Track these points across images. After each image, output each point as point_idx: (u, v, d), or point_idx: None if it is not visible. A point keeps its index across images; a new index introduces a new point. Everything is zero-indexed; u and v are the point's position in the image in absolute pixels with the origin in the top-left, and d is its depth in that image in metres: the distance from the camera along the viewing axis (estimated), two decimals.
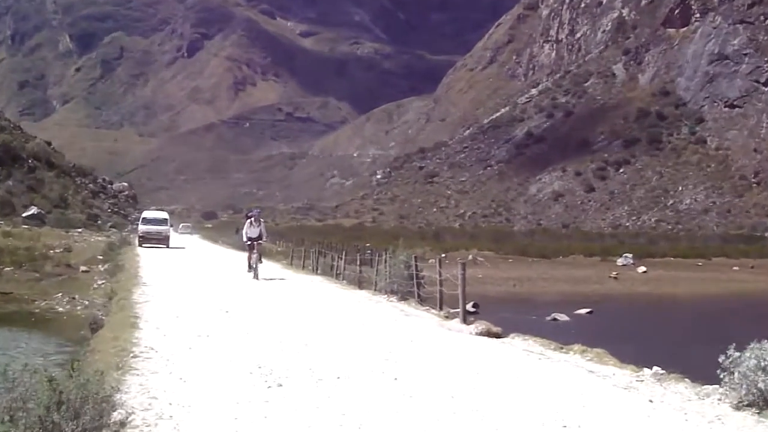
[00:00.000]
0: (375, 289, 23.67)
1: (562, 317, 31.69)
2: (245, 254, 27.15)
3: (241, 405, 7.82)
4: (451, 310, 18.05)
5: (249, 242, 25.48)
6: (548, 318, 31.45)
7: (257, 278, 24.08)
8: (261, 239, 25.95)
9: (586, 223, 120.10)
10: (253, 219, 26.05)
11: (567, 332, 19.45)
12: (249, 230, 25.71)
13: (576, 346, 12.49)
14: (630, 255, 61.23)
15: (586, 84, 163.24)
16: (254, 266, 24.76)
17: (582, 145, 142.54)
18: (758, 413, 8.03)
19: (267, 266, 29.49)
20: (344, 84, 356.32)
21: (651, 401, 8.67)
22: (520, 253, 65.11)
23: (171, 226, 54.49)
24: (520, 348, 12.81)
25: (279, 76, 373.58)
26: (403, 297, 20.58)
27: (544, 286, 47.89)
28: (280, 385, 8.75)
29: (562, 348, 12.71)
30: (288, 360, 10.40)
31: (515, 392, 8.85)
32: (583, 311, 34.93)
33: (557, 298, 42.44)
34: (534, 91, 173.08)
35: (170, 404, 7.73)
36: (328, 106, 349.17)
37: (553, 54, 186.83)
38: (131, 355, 10.30)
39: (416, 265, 20.62)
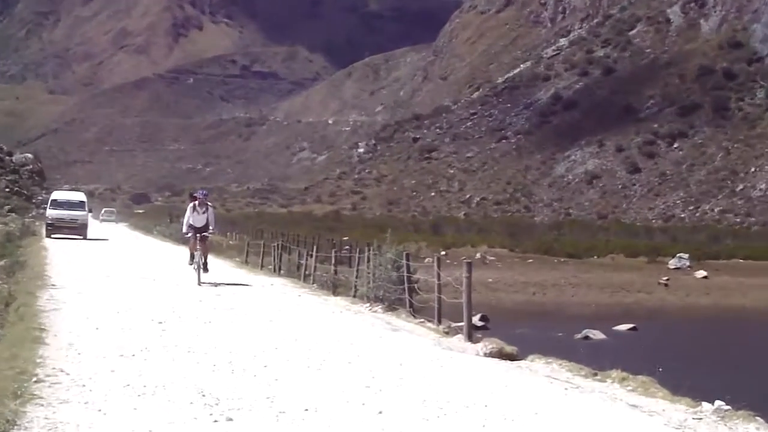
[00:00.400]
0: (354, 296, 23.65)
1: (597, 335, 31.78)
2: (187, 248, 26.89)
3: None
4: (453, 324, 18.06)
5: (190, 234, 24.99)
6: (578, 336, 31.54)
7: (200, 283, 23.77)
8: (208, 230, 25.07)
9: (629, 214, 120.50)
10: (197, 203, 25.11)
11: (603, 354, 19.42)
12: (192, 217, 24.89)
13: (614, 373, 12.48)
14: (685, 255, 61.37)
15: (631, 33, 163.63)
16: (198, 267, 24.34)
17: (625, 112, 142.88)
18: None
19: (215, 265, 29.39)
20: (317, 29, 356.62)
21: None
22: (543, 252, 65.22)
23: (90, 211, 54.39)
24: (541, 374, 12.79)
25: (233, 18, 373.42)
26: (391, 306, 20.56)
27: (573, 295, 48.01)
28: (230, 420, 8.70)
29: (596, 374, 12.70)
30: (240, 386, 10.34)
31: (536, 431, 8.82)
32: (623, 327, 35.02)
33: (590, 311, 42.53)
34: (563, 42, 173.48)
35: None
36: (296, 58, 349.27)
37: None
38: (34, 379, 10.21)
39: (408, 266, 20.62)
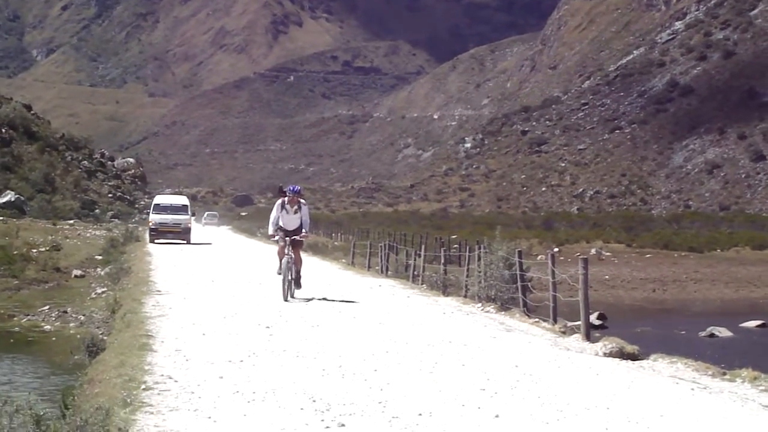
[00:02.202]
0: (465, 296, 23.62)
1: (723, 332, 31.26)
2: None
3: None
4: (569, 324, 17.94)
5: (278, 236, 21.43)
6: (703, 333, 31.05)
7: (287, 299, 20.63)
8: (301, 232, 21.45)
9: (754, 204, 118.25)
10: (287, 200, 21.42)
11: (730, 352, 19.16)
12: (281, 217, 21.41)
13: (745, 372, 12.25)
14: None
15: (753, 12, 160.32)
16: (287, 280, 20.85)
17: (747, 97, 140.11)
18: None
19: (320, 268, 29.49)
20: (419, 21, 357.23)
21: None
22: (662, 246, 64.64)
23: (193, 215, 55.25)
24: (665, 374, 12.63)
25: (332, 13, 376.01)
26: (504, 306, 20.51)
27: (695, 291, 47.32)
28: (342, 425, 8.75)
29: (724, 374, 12.50)
30: (351, 392, 10.39)
31: None
32: (752, 324, 34.41)
33: (715, 307, 41.87)
34: (679, 25, 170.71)
35: None
36: (398, 52, 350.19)
37: None
38: (143, 386, 10.40)
39: (521, 263, 20.48)
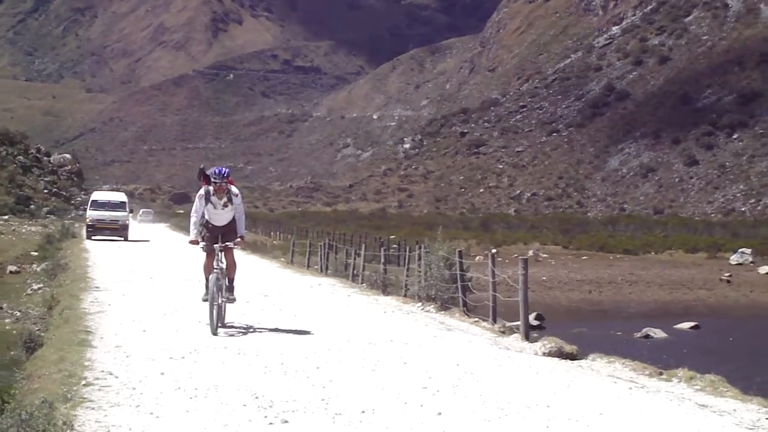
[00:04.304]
0: (405, 295, 23.71)
1: (658, 333, 31.65)
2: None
3: None
4: (508, 324, 18.06)
5: (203, 243, 15.65)
6: (638, 334, 31.41)
7: (216, 332, 14.75)
8: (233, 236, 15.75)
9: (687, 208, 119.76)
10: (213, 189, 15.40)
11: (666, 353, 19.40)
12: (208, 211, 15.61)
13: (681, 372, 12.43)
14: (748, 251, 61.04)
15: (687, 19, 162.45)
16: (215, 305, 15.05)
17: (681, 102, 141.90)
18: None
19: (259, 267, 29.34)
20: (360, 21, 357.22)
21: None
22: (598, 249, 65.30)
23: (131, 212, 54.77)
24: (603, 373, 12.77)
25: (273, 12, 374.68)
26: (444, 306, 20.59)
27: (631, 292, 47.79)
28: (285, 422, 8.74)
29: (661, 374, 12.67)
30: (293, 389, 10.38)
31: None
32: (685, 325, 34.84)
33: (650, 308, 42.35)
34: (616, 30, 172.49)
35: None
36: (338, 52, 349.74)
37: None
38: (83, 382, 10.31)
39: (461, 263, 20.56)
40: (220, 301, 15.18)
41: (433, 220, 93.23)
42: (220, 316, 15.25)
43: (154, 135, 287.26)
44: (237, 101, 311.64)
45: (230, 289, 15.70)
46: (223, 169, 15.52)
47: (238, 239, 15.69)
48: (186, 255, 39.13)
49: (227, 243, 15.41)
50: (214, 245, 15.40)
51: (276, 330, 15.79)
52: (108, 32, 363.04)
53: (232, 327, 15.69)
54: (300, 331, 15.85)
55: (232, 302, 15.81)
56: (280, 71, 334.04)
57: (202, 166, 16.36)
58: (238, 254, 17.53)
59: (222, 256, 15.47)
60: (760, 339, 33.53)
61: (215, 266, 15.33)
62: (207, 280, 15.44)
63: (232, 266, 15.73)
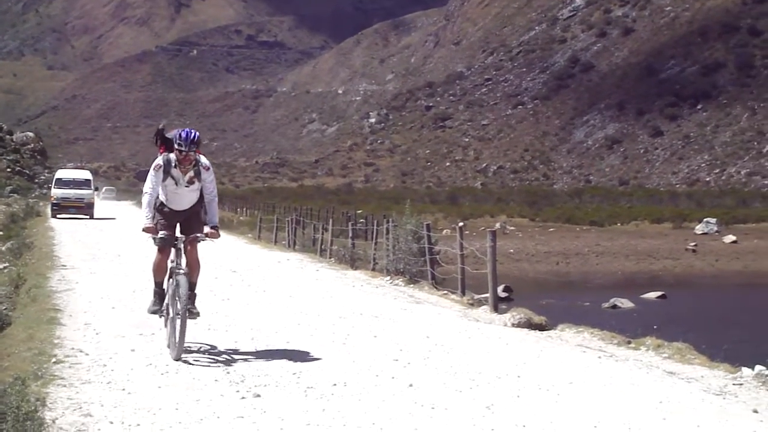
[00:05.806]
0: (373, 269, 23.77)
1: (625, 303, 31.90)
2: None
3: (207, 423, 7.81)
4: (476, 296, 18.15)
5: (162, 233, 11.22)
6: (606, 305, 31.64)
7: (178, 357, 10.59)
8: (201, 223, 11.48)
9: (652, 179, 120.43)
10: (177, 157, 11.17)
11: (633, 323, 19.51)
12: (167, 189, 11.36)
13: (649, 340, 12.55)
14: (713, 220, 61.57)
15: None
16: (168, 314, 11.20)
17: (645, 73, 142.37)
18: None
19: (225, 242, 29.26)
20: None
21: (756, 411, 8.68)
22: (565, 221, 65.59)
23: (96, 190, 54.50)
24: (572, 343, 12.88)
25: None
26: (413, 279, 20.68)
27: (598, 263, 48.14)
28: (258, 396, 8.76)
29: (629, 343, 12.80)
30: (265, 363, 10.41)
31: (572, 400, 8.85)
32: (652, 295, 35.15)
33: (617, 279, 42.70)
34: (580, 2, 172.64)
35: (111, 423, 7.73)
36: (302, 27, 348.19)
37: None
38: (53, 360, 10.29)
39: (429, 237, 20.64)
40: (179, 314, 10.74)
41: (400, 194, 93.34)
42: (182, 333, 10.61)
43: (117, 112, 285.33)
44: (201, 77, 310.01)
45: (191, 297, 11.29)
46: (193, 132, 11.10)
47: (211, 230, 11.26)
48: None
49: (197, 234, 11.22)
50: (173, 237, 11.24)
51: (245, 305, 15.82)
52: (69, 8, 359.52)
53: (201, 303, 15.67)
54: (269, 306, 15.87)
55: (195, 317, 11.30)
56: (244, 47, 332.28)
57: (161, 126, 11.99)
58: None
59: (185, 253, 11.21)
60: (725, 307, 33.88)
61: (176, 267, 11.13)
62: (158, 285, 11.53)
63: (194, 266, 11.36)
